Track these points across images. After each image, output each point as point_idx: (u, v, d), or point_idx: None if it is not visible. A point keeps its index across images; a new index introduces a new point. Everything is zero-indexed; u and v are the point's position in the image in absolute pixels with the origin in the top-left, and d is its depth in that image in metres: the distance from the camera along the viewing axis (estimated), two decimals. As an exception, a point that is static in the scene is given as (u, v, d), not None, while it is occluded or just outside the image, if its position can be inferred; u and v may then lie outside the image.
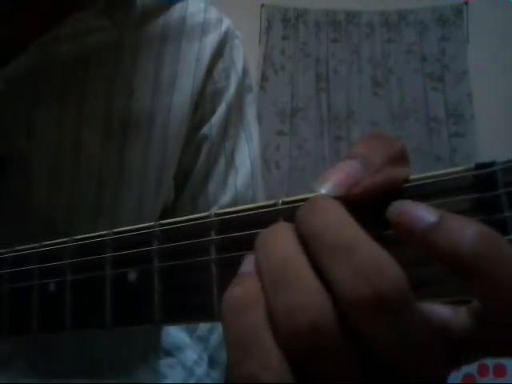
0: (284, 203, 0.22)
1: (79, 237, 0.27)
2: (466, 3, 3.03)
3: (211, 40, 0.55)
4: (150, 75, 0.51)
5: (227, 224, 0.23)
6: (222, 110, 0.55)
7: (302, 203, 0.21)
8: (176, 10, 0.54)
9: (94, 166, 0.48)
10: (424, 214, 0.18)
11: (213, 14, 0.56)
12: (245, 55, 0.58)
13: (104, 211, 0.48)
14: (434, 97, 2.96)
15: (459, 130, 2.88)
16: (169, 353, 0.52)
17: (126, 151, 0.49)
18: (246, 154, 0.57)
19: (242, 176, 0.56)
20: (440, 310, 0.19)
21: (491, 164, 0.19)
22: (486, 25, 2.94)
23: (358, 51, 3.11)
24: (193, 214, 0.59)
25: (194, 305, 0.23)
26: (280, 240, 0.20)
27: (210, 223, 0.24)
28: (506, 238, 0.18)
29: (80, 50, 0.47)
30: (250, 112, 0.59)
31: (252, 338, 0.18)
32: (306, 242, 0.19)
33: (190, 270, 0.23)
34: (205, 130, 0.54)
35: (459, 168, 0.20)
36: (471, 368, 1.59)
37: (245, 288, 0.20)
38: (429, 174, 0.20)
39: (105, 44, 0.49)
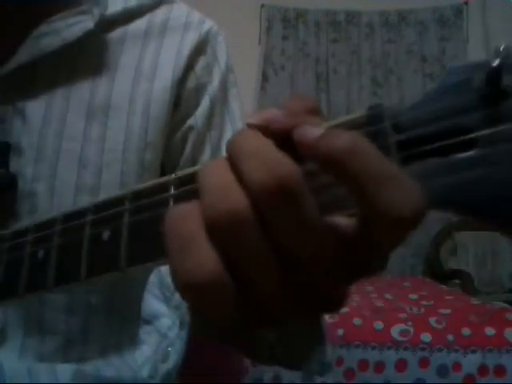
0: None
1: (66, 211, 0.32)
2: (466, 3, 3.03)
3: (192, 37, 0.58)
4: (132, 65, 0.55)
5: (184, 181, 0.27)
6: (205, 102, 0.57)
7: None
8: (161, 12, 0.59)
9: (76, 147, 0.51)
10: (312, 130, 0.23)
11: (195, 16, 0.60)
12: (229, 53, 0.61)
13: (84, 189, 0.51)
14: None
15: (459, 130, 2.88)
16: (147, 322, 0.56)
17: (107, 132, 0.53)
18: None
19: None
20: (335, 219, 0.24)
21: (379, 105, 0.24)
22: (486, 25, 2.94)
23: (358, 51, 3.11)
24: None
25: (153, 248, 0.26)
26: (214, 162, 0.24)
27: (170, 182, 0.27)
28: (389, 156, 0.23)
29: (66, 44, 0.52)
30: (236, 106, 0.61)
31: (188, 241, 0.22)
32: (230, 157, 0.23)
33: (151, 222, 0.27)
34: (190, 121, 0.57)
35: (357, 113, 0.25)
36: (471, 368, 1.59)
37: (183, 204, 0.24)
38: (335, 120, 0.25)
39: (88, 38, 0.53)
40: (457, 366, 1.60)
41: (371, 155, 0.21)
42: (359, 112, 0.24)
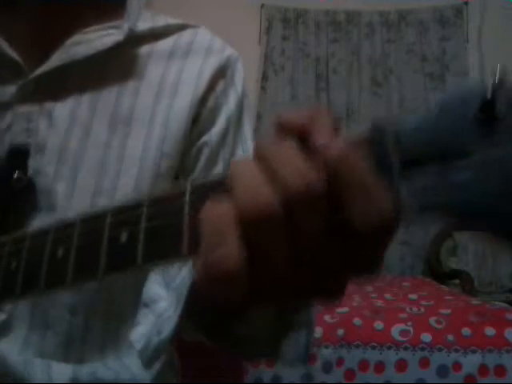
0: None
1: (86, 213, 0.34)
2: (466, 3, 3.03)
3: (214, 61, 0.62)
4: (156, 81, 0.60)
5: (199, 188, 0.29)
6: (221, 121, 0.61)
7: None
8: (187, 34, 0.63)
9: (99, 153, 0.55)
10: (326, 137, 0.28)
11: (218, 42, 0.65)
12: (244, 79, 0.66)
13: (103, 193, 0.54)
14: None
15: (459, 130, 2.88)
16: (146, 305, 0.60)
17: (128, 140, 0.56)
18: None
19: None
20: None
21: (382, 124, 0.28)
22: (486, 25, 2.94)
23: (358, 51, 3.11)
24: None
25: (168, 248, 0.29)
26: (245, 163, 0.28)
27: (186, 189, 0.29)
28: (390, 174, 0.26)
29: (96, 53, 0.56)
30: (247, 129, 0.66)
31: (221, 232, 0.26)
32: (263, 161, 0.27)
33: (167, 225, 0.29)
34: (205, 137, 0.61)
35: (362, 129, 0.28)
36: (471, 368, 1.59)
37: (220, 203, 0.27)
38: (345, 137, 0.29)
39: (117, 50, 0.57)
40: (457, 366, 1.60)
41: (357, 167, 0.26)
42: (364, 128, 0.28)
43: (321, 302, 0.32)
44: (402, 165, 0.26)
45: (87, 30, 0.56)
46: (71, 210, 0.52)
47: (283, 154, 0.27)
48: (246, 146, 0.63)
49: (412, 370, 1.59)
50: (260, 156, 0.27)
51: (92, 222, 0.33)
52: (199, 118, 0.60)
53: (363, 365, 1.60)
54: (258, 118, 3.04)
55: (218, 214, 0.26)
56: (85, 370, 0.53)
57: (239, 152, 0.62)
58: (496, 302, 2.03)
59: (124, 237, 0.31)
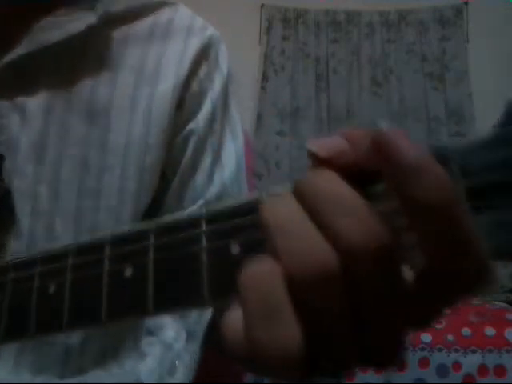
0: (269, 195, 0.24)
1: (81, 240, 0.29)
2: (466, 3, 3.03)
3: (195, 42, 0.58)
4: (134, 66, 0.55)
5: (216, 216, 0.25)
6: (207, 107, 0.57)
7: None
8: (165, 13, 0.59)
9: (78, 149, 0.51)
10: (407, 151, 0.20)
11: (199, 21, 0.60)
12: (229, 62, 0.61)
13: (86, 193, 0.51)
14: (434, 97, 2.96)
15: (459, 130, 2.88)
16: (150, 332, 0.55)
17: (109, 134, 0.52)
18: (232, 152, 0.59)
19: (228, 171, 0.58)
20: None
21: (445, 147, 0.22)
22: (486, 25, 2.94)
23: (358, 51, 3.11)
24: (179, 208, 0.57)
25: (185, 292, 0.24)
26: (282, 202, 0.22)
27: (201, 217, 0.25)
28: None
29: (67, 40, 0.51)
30: (234, 114, 0.61)
31: (274, 309, 0.20)
32: (305, 202, 0.21)
33: (181, 261, 0.25)
34: (192, 125, 0.57)
35: None
36: (471, 368, 1.59)
37: (261, 262, 0.21)
38: None
39: (91, 34, 0.52)
40: (457, 365, 1.60)
41: (452, 203, 0.19)
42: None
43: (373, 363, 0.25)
44: (471, 196, 0.20)
45: (57, 12, 0.51)
46: (56, 213, 0.50)
47: (334, 195, 0.21)
48: (235, 132, 0.60)
49: (412, 370, 1.59)
50: (304, 198, 0.21)
51: (87, 253, 0.27)
52: (183, 104, 0.56)
53: (363, 365, 1.60)
54: (258, 118, 3.03)
55: (267, 279, 0.21)
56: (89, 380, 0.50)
57: (228, 141, 0.59)
58: (496, 302, 2.03)
59: (129, 272, 0.26)
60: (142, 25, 0.57)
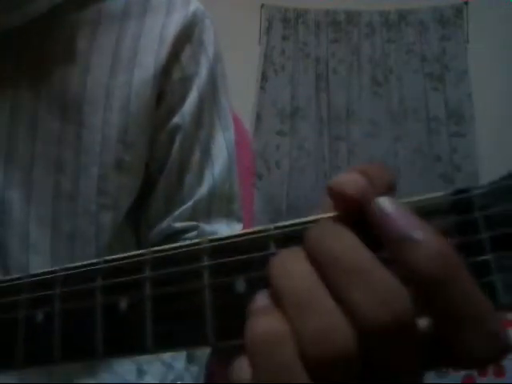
0: (276, 228, 0.23)
1: (70, 265, 0.27)
2: (466, 3, 3.03)
3: (176, 19, 0.51)
4: (109, 51, 0.49)
5: (219, 249, 0.23)
6: (193, 97, 0.52)
7: (293, 227, 0.22)
8: None
9: (51, 148, 0.47)
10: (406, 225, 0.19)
11: None
12: (216, 39, 0.54)
13: (62, 196, 0.47)
14: (434, 97, 2.96)
15: (459, 130, 2.88)
16: None
17: (83, 131, 0.47)
18: (223, 144, 0.55)
19: (218, 167, 0.54)
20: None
21: (468, 190, 0.20)
22: (486, 25, 2.94)
23: (358, 51, 3.11)
24: (168, 210, 0.53)
25: (187, 331, 0.23)
26: (297, 265, 0.20)
27: (203, 249, 0.24)
28: (482, 258, 0.19)
29: (28, 22, 0.45)
30: (224, 100, 0.55)
31: (286, 374, 0.19)
32: (320, 266, 0.20)
33: (182, 296, 0.23)
34: (176, 119, 0.51)
35: (439, 193, 0.21)
36: (471, 368, 1.59)
37: (270, 321, 0.20)
38: (412, 198, 0.21)
39: (56, 17, 0.46)
40: (456, 365, 1.60)
41: (461, 286, 0.18)
42: (442, 194, 0.21)
43: None
44: (495, 246, 0.19)
45: None
46: (30, 221, 0.45)
47: (355, 266, 0.19)
48: (225, 121, 0.54)
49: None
50: (320, 264, 0.19)
51: (77, 281, 0.25)
52: (164, 93, 0.50)
53: (363, 365, 1.60)
54: (258, 117, 3.03)
55: (277, 341, 0.19)
56: None
57: (218, 133, 0.53)
58: (496, 302, 2.02)
59: (123, 305, 0.24)
60: (116, 2, 0.50)
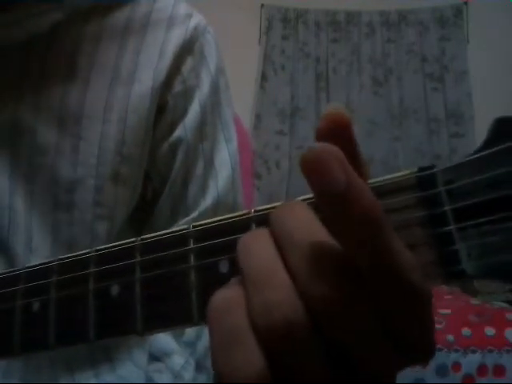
0: (256, 211, 0.25)
1: (64, 256, 0.28)
2: (466, 3, 3.03)
3: (177, 34, 0.52)
4: (109, 66, 0.49)
5: (204, 233, 0.25)
6: (195, 110, 0.52)
7: (271, 210, 0.23)
8: (143, 4, 0.52)
9: (50, 162, 0.48)
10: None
11: (182, 9, 0.53)
12: (219, 52, 0.54)
13: (60, 207, 0.48)
14: (434, 97, 2.96)
15: (459, 130, 2.88)
16: (156, 358, 0.52)
17: (80, 143, 0.48)
18: (226, 156, 0.55)
19: (222, 179, 0.54)
20: None
21: (432, 167, 0.22)
22: (486, 25, 2.94)
23: (358, 51, 3.11)
24: (172, 221, 0.54)
25: (174, 311, 0.24)
26: (257, 243, 0.21)
27: (188, 234, 0.25)
28: (445, 229, 0.21)
29: (31, 38, 0.45)
30: (227, 112, 0.56)
31: (235, 338, 0.20)
32: (278, 243, 0.21)
33: (170, 278, 0.25)
34: (178, 132, 0.52)
35: (406, 171, 0.23)
36: (471, 368, 1.59)
37: (228, 291, 0.21)
38: (379, 178, 0.23)
39: (58, 32, 0.47)
40: (456, 365, 1.59)
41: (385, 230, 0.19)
42: (408, 172, 0.23)
43: None
44: (457, 217, 0.21)
45: (14, 7, 0.44)
46: (34, 226, 0.47)
47: (306, 240, 0.20)
48: (229, 132, 0.54)
49: (411, 370, 1.59)
50: (278, 239, 0.21)
51: (71, 270, 0.27)
52: (165, 107, 0.51)
53: (363, 365, 1.60)
54: (258, 117, 3.03)
55: (229, 308, 0.20)
56: None
57: (221, 144, 0.53)
58: (496, 302, 2.03)
59: (115, 290, 0.25)
60: (118, 18, 0.51)
